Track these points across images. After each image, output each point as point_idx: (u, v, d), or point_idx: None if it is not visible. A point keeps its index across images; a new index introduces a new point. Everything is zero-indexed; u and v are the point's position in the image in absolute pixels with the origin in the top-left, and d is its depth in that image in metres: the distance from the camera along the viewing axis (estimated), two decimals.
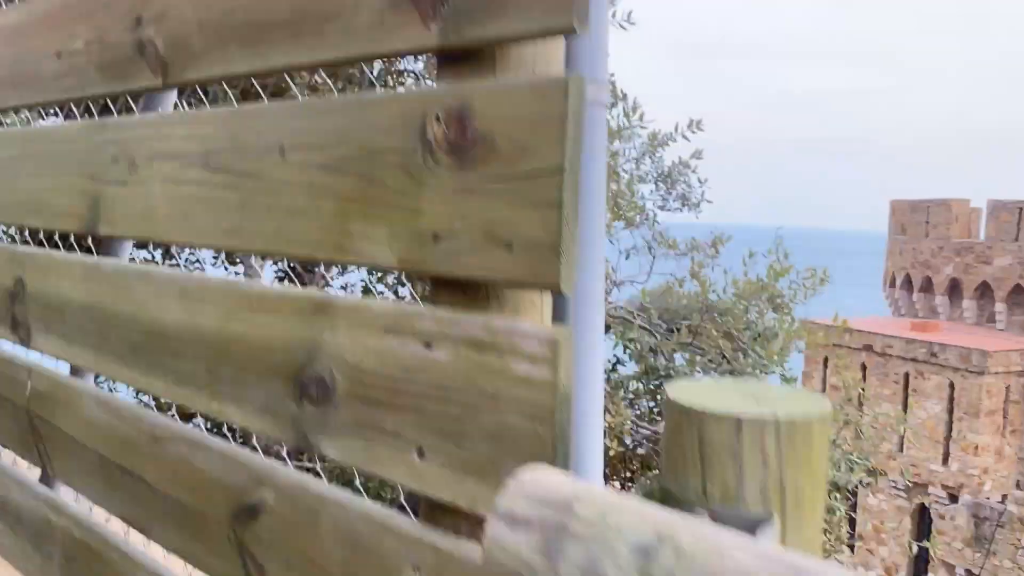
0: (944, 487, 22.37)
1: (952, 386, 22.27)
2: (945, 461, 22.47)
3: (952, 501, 22.21)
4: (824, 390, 25.06)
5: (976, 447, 21.80)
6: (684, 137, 5.04)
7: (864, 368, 24.25)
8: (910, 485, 23.18)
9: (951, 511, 22.03)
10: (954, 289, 25.60)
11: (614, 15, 5.01)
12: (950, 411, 22.36)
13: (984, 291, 24.86)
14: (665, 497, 0.57)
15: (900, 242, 27.26)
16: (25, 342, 1.61)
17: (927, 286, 26.33)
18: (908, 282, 26.96)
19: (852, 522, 21.96)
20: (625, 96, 4.86)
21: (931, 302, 26.28)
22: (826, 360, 25.32)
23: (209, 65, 1.13)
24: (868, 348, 24.02)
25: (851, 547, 23.98)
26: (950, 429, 22.40)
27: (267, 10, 1.03)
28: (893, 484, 23.65)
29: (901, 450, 23.37)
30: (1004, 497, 21.59)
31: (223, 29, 1.09)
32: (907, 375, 23.23)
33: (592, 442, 0.87)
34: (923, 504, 23.15)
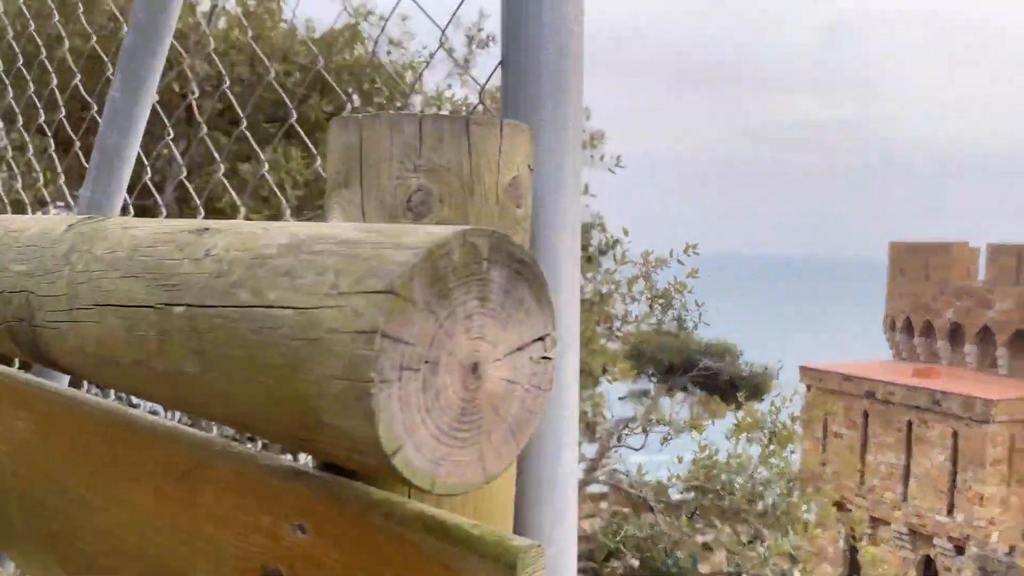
0: (949, 538, 21.91)
1: (956, 435, 21.90)
2: (950, 512, 22.02)
3: (958, 553, 21.73)
4: (825, 438, 24.70)
5: (982, 497, 21.37)
6: (679, 262, 4.82)
7: (866, 415, 23.89)
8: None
9: (957, 563, 21.55)
10: (955, 333, 25.31)
11: (602, 158, 4.84)
12: (954, 460, 21.95)
13: (985, 335, 24.57)
14: None
15: (900, 284, 27.02)
16: None
17: (928, 330, 26.04)
18: (908, 325, 26.68)
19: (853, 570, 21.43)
20: (615, 243, 4.64)
21: (932, 346, 25.97)
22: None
23: None
24: (870, 395, 23.67)
25: None
26: (954, 479, 21.98)
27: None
28: (897, 534, 23.21)
29: (905, 499, 22.95)
30: (1011, 549, 21.13)
31: None
32: (910, 423, 22.86)
33: None
34: (928, 556, 22.65)
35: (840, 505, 24.35)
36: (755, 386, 36.20)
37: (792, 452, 5.07)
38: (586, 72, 1.06)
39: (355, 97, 5.81)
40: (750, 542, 4.87)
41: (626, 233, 4.81)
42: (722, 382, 38.07)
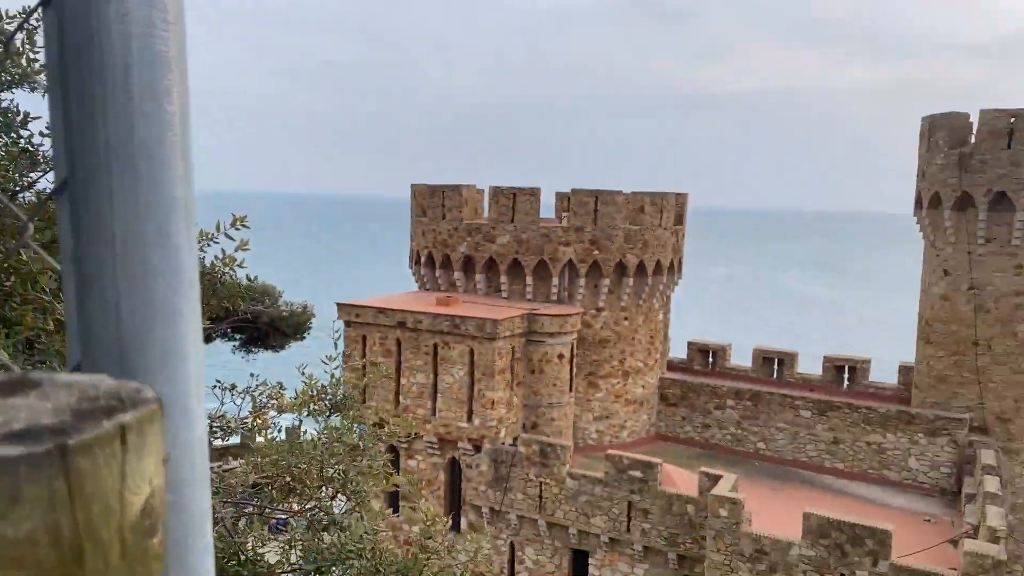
0: (470, 440, 25.67)
1: (472, 352, 25.52)
2: (470, 418, 25.75)
3: (476, 451, 25.61)
4: (364, 368, 26.84)
5: (493, 402, 25.38)
6: (228, 236, 4.98)
7: (399, 343, 26.50)
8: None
9: (476, 460, 25.42)
10: (468, 265, 29.14)
11: None
12: (471, 374, 25.62)
13: (491, 265, 28.75)
14: None
15: (422, 223, 30.06)
16: None
17: (446, 263, 29.54)
18: (431, 259, 29.93)
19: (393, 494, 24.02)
20: None
21: (451, 277, 29.57)
22: (364, 339, 27.07)
23: None
24: (402, 325, 26.26)
25: (395, 508, 26.32)
26: (472, 390, 25.69)
27: None
28: (429, 444, 26.42)
29: (435, 414, 26.17)
30: (515, 440, 25.56)
31: None
32: (436, 346, 25.97)
33: None
34: (454, 458, 26.29)
35: (380, 425, 26.88)
36: (296, 325, 37.15)
37: (354, 422, 5.25)
38: None
39: None
40: (324, 529, 4.70)
41: None
42: (263, 324, 38.28)
